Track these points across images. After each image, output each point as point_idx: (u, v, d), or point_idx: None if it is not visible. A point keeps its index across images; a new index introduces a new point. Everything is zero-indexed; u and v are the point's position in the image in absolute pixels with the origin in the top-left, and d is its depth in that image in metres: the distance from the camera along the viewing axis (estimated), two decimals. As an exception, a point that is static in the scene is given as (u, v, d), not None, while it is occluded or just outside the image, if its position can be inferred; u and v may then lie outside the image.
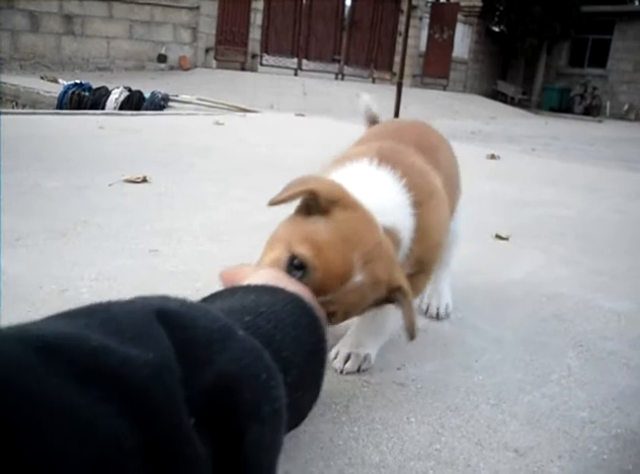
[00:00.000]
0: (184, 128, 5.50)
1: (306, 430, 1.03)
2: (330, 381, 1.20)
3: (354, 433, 1.04)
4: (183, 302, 0.62)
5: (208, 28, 14.73)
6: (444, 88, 20.49)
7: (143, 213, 2.33)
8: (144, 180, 2.88)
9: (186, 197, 2.68)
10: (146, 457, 0.46)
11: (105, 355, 0.47)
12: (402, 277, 1.03)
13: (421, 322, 1.54)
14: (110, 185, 2.74)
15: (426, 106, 14.77)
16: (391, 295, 1.02)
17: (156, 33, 14.20)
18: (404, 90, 8.45)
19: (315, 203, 0.97)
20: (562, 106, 22.95)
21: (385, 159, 1.15)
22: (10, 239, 1.85)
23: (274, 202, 0.99)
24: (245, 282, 0.83)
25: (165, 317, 0.55)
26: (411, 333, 1.06)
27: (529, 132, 12.25)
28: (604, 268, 2.21)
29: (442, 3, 20.99)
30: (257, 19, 15.55)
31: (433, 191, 1.19)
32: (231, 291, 0.76)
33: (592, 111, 22.28)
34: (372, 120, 1.65)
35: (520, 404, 1.19)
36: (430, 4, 20.50)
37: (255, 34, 15.62)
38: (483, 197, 3.47)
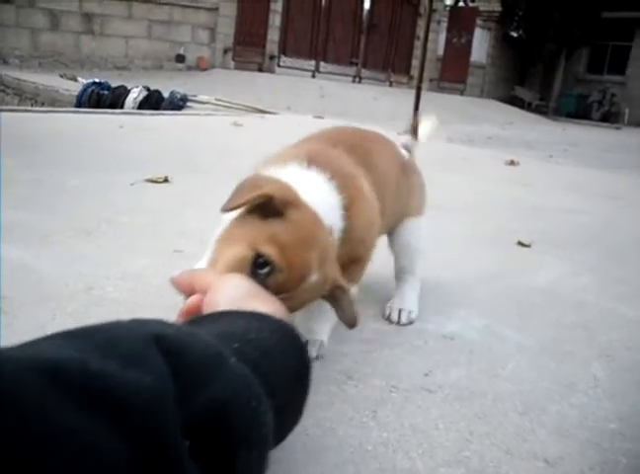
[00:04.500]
0: (203, 129, 5.52)
1: (335, 434, 1.03)
2: (356, 386, 1.20)
3: (382, 438, 1.03)
4: (178, 328, 0.64)
5: (227, 28, 14.77)
6: (462, 92, 20.42)
7: (166, 213, 2.34)
8: (166, 180, 2.89)
9: (207, 197, 2.68)
10: None
11: (104, 379, 0.48)
12: (341, 276, 1.10)
13: (447, 329, 1.53)
14: (132, 184, 2.75)
15: (442, 110, 14.71)
16: (332, 292, 1.09)
17: (175, 33, 14.27)
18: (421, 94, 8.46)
19: (270, 205, 1.00)
20: (579, 112, 22.82)
21: (313, 161, 1.18)
22: (38, 236, 1.86)
23: (228, 209, 1.00)
24: (213, 291, 0.85)
25: (162, 342, 0.57)
26: (353, 323, 1.13)
27: (547, 138, 12.19)
28: (627, 276, 2.19)
29: (461, 7, 20.92)
30: (275, 20, 15.58)
31: (359, 193, 1.23)
32: (221, 315, 0.78)
33: (610, 117, 22.13)
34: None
35: (548, 413, 1.18)
36: (448, 8, 20.46)
37: (273, 35, 15.66)
38: (503, 202, 3.46)
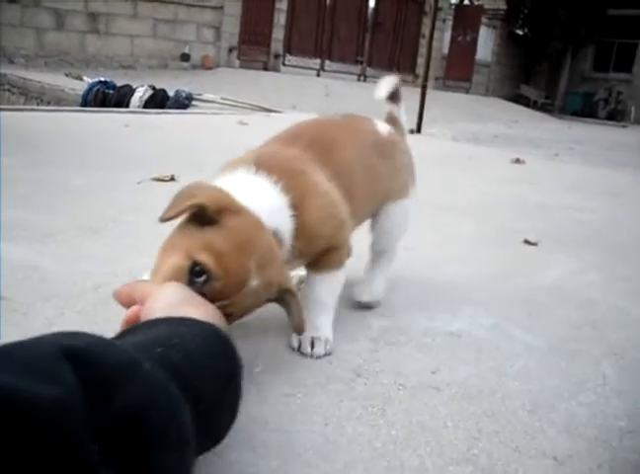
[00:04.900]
0: (209, 127, 5.52)
1: (344, 432, 1.03)
2: (365, 384, 1.20)
3: (391, 436, 1.03)
4: (90, 339, 0.65)
5: (232, 27, 14.78)
6: (467, 91, 20.38)
7: (172, 212, 2.33)
8: (172, 179, 2.89)
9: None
10: None
11: (12, 393, 0.50)
12: (289, 279, 1.13)
13: (454, 327, 1.53)
14: (138, 183, 2.76)
15: (448, 109, 14.71)
16: (279, 295, 1.11)
17: (180, 31, 14.28)
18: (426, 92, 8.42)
19: (205, 213, 1.02)
20: (585, 110, 22.74)
21: (262, 165, 1.20)
22: (44, 236, 1.86)
23: (164, 219, 1.03)
24: (151, 300, 0.88)
25: (71, 354, 0.58)
26: (300, 329, 1.18)
27: (552, 137, 12.16)
28: (634, 275, 2.19)
29: (466, 5, 20.89)
30: (280, 19, 15.58)
31: (309, 189, 1.23)
32: (154, 322, 0.81)
33: (616, 116, 22.06)
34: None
35: (557, 411, 1.18)
36: (453, 6, 20.42)
37: (278, 34, 15.65)
38: (510, 201, 3.46)
